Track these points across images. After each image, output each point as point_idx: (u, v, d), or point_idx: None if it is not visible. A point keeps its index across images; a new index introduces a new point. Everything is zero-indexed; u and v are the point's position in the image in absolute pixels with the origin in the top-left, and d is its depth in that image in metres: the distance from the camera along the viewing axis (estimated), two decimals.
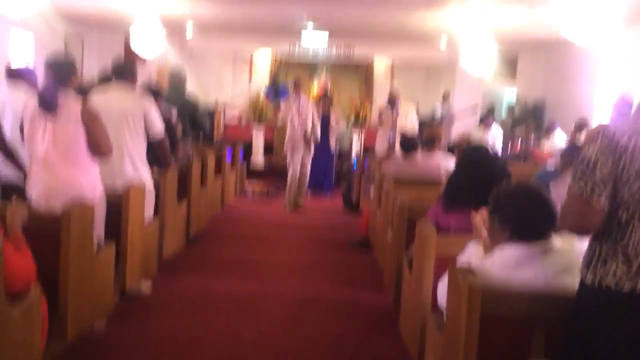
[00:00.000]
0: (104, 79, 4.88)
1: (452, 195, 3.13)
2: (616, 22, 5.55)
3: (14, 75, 4.31)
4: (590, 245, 1.83)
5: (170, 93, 6.10)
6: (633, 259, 1.71)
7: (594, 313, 1.77)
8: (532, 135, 10.23)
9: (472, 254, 2.33)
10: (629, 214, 1.72)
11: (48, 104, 3.26)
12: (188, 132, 5.97)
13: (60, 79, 3.33)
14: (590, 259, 1.80)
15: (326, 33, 11.29)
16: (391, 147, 8.21)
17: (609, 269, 1.74)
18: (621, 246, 1.73)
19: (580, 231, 1.83)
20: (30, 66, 4.60)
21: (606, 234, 1.77)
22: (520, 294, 2.03)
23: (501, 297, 2.03)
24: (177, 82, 6.27)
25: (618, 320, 1.72)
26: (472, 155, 3.25)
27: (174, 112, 5.49)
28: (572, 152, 4.33)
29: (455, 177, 3.25)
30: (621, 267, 1.72)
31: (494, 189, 2.29)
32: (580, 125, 7.80)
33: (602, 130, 1.76)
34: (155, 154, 4.45)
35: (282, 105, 7.99)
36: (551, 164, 5.01)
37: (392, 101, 8.45)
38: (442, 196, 3.22)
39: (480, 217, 2.44)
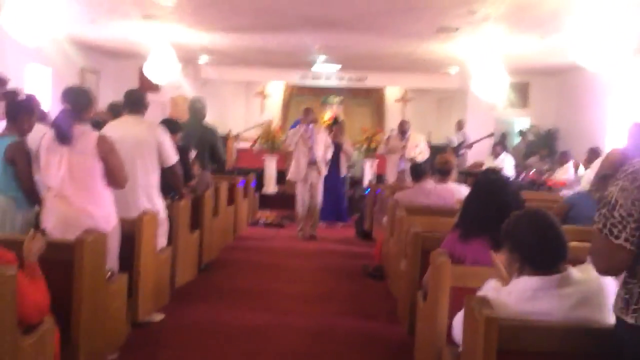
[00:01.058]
0: (115, 111, 4.93)
1: (467, 223, 3.09)
2: (627, 50, 5.56)
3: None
4: (626, 285, 1.79)
5: (189, 122, 6.14)
6: None
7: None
8: (545, 163, 10.19)
9: (489, 289, 2.30)
10: None
11: (64, 136, 3.29)
12: (207, 164, 5.97)
13: (76, 111, 3.37)
14: (627, 300, 1.76)
15: (338, 66, 11.42)
16: (401, 175, 8.20)
17: None
18: None
19: (609, 271, 1.86)
20: (38, 98, 4.58)
21: None
22: (538, 327, 1.99)
23: (519, 330, 1.99)
24: (197, 110, 6.26)
25: None
26: (485, 181, 3.22)
27: (192, 149, 5.52)
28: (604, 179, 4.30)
29: (469, 205, 3.22)
30: None
31: (508, 216, 2.28)
32: (593, 154, 7.77)
33: (625, 170, 1.76)
34: (168, 183, 4.47)
35: (290, 132, 8.01)
36: (566, 193, 4.99)
37: (402, 131, 8.47)
38: (457, 225, 3.19)
39: (501, 258, 2.41)
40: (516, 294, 2.09)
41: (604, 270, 1.86)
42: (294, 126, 9.68)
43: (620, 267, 1.78)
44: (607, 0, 5.31)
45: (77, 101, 3.42)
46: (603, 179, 4.14)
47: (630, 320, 1.74)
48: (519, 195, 3.12)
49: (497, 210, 2.75)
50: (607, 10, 5.40)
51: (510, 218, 2.24)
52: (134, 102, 4.29)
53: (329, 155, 7.88)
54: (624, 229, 1.71)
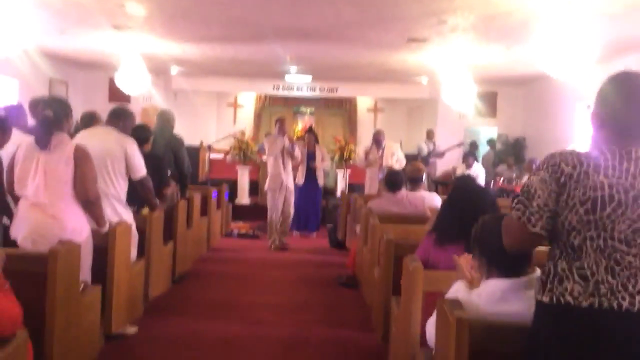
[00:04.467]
0: (86, 121, 4.90)
1: (443, 229, 3.14)
2: (590, 59, 5.73)
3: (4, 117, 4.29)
4: (544, 267, 1.90)
5: (156, 131, 6.13)
6: (589, 278, 1.77)
7: (554, 330, 1.81)
8: (514, 171, 10.40)
9: (458, 291, 2.35)
10: (580, 238, 1.79)
11: (42, 141, 3.28)
12: (172, 171, 5.95)
13: (57, 119, 3.37)
14: (545, 280, 1.86)
15: (309, 77, 11.49)
16: (380, 185, 8.26)
17: (566, 287, 1.79)
18: (576, 267, 1.80)
19: (517, 250, 1.98)
20: (17, 105, 4.56)
21: (561, 255, 1.84)
22: (508, 328, 2.05)
23: (489, 331, 2.05)
24: (165, 121, 6.29)
25: (578, 335, 1.77)
26: (462, 188, 3.28)
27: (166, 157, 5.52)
28: None
29: (445, 211, 3.27)
30: (578, 286, 1.78)
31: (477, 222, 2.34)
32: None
33: (546, 161, 1.85)
34: (139, 195, 4.45)
35: (266, 143, 7.99)
36: None
37: (378, 141, 8.54)
38: (433, 230, 3.24)
39: (464, 260, 2.47)
40: (486, 296, 2.15)
41: (512, 247, 1.96)
42: (262, 146, 9.65)
43: (530, 248, 1.96)
44: (571, 11, 5.47)
45: (58, 110, 3.42)
46: None
47: (545, 299, 1.83)
48: (495, 204, 3.18)
49: (473, 217, 2.80)
50: (571, 20, 5.57)
51: (478, 224, 2.32)
52: (112, 114, 4.33)
53: (304, 165, 7.93)
54: (541, 218, 1.81)
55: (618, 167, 1.77)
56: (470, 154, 10.35)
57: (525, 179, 9.17)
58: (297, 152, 7.82)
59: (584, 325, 1.76)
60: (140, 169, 4.25)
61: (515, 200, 1.88)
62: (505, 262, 2.16)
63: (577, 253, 1.80)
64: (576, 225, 1.78)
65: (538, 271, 2.17)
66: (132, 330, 4.17)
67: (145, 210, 4.78)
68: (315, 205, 8.88)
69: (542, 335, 1.84)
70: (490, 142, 12.22)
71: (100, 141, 4.08)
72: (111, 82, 9.89)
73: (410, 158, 9.31)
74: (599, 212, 1.75)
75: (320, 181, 8.77)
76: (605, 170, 1.77)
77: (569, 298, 1.78)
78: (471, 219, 2.64)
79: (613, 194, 1.75)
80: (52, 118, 3.36)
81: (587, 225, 1.77)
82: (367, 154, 8.60)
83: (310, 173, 8.47)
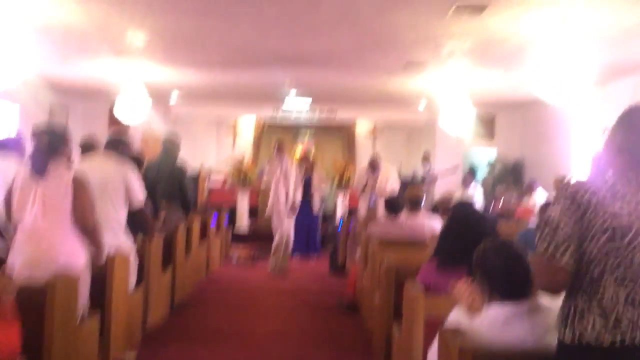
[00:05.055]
0: (85, 148, 4.91)
1: (443, 254, 3.13)
2: (587, 83, 5.77)
3: (3, 146, 4.32)
4: (565, 303, 1.86)
5: (160, 158, 6.13)
6: (609, 312, 1.75)
7: None
8: (513, 193, 10.41)
9: (458, 316, 2.33)
10: (600, 269, 1.77)
11: (39, 168, 3.28)
12: (176, 199, 5.94)
13: (53, 146, 3.37)
14: (566, 316, 1.83)
15: (309, 99, 11.56)
16: (372, 209, 8.27)
17: (587, 323, 1.76)
18: (596, 300, 1.77)
19: (550, 290, 1.89)
20: (15, 135, 4.59)
21: (580, 289, 1.81)
22: (511, 354, 2.02)
23: (492, 358, 2.02)
24: (169, 148, 6.27)
25: None
26: (461, 214, 3.28)
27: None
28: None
29: (445, 236, 3.26)
30: (599, 321, 1.75)
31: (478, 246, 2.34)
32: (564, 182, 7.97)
33: (563, 191, 1.83)
34: (138, 222, 4.43)
35: (266, 168, 8.02)
36: (533, 222, 5.10)
37: (373, 167, 8.56)
38: (434, 255, 3.23)
39: (462, 284, 2.46)
40: (488, 322, 2.13)
41: (545, 288, 1.90)
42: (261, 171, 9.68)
43: (561, 286, 1.84)
44: (567, 35, 5.52)
45: (55, 137, 3.43)
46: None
47: (567, 336, 1.80)
48: (494, 228, 3.18)
49: (473, 241, 2.79)
50: (567, 44, 5.62)
51: (479, 249, 2.31)
52: (110, 141, 4.34)
53: (299, 191, 7.95)
54: (567, 250, 1.77)
55: (634, 195, 1.77)
56: (469, 174, 10.37)
57: (525, 201, 9.18)
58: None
59: None
60: (140, 197, 4.25)
61: (538, 237, 1.83)
62: (507, 286, 2.15)
63: (596, 286, 1.77)
64: (597, 256, 1.77)
65: (539, 296, 2.15)
66: (130, 358, 4.12)
67: (141, 237, 4.75)
68: (314, 228, 8.88)
69: None
70: (490, 165, 12.24)
71: (100, 168, 4.09)
72: (111, 109, 9.94)
73: (405, 181, 9.31)
74: (618, 241, 1.75)
75: (316, 206, 8.77)
76: (622, 198, 1.77)
77: (590, 337, 1.75)
78: (471, 244, 2.63)
79: (631, 222, 1.74)
80: (47, 146, 3.35)
81: (607, 255, 1.76)
82: (364, 185, 8.58)
83: (307, 198, 8.48)
